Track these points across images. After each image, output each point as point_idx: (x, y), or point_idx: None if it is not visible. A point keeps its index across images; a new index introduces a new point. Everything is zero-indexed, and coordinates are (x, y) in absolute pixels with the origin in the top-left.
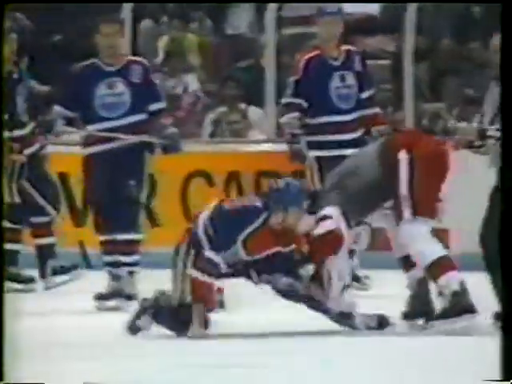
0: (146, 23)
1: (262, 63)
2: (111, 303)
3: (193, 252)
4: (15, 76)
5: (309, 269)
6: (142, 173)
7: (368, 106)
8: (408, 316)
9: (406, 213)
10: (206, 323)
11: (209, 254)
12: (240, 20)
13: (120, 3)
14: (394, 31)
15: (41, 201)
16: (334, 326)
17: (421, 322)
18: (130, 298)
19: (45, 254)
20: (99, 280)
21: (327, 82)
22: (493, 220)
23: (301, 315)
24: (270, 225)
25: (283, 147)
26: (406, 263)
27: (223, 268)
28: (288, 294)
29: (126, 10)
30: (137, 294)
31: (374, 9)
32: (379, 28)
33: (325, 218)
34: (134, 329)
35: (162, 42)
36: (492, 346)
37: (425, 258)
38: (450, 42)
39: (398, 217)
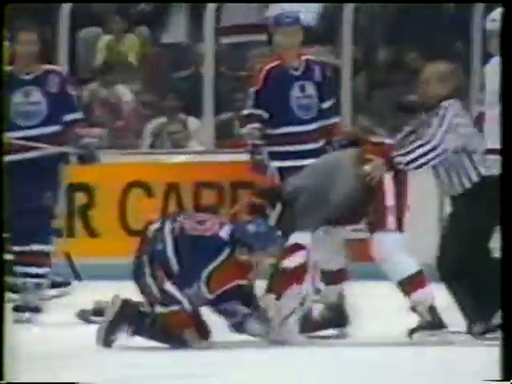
0: (85, 30)
1: (201, 72)
2: (26, 315)
3: (159, 270)
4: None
5: (270, 298)
6: (57, 184)
7: (329, 115)
8: (318, 327)
9: (390, 223)
10: (206, 333)
11: (171, 290)
12: (177, 29)
13: (59, 3)
14: (332, 42)
15: None
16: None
17: (334, 331)
18: (36, 310)
19: None
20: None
21: (288, 92)
22: (450, 243)
23: None
24: (233, 259)
25: (222, 158)
26: (332, 277)
27: (185, 305)
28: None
29: (65, 10)
30: (42, 306)
31: (310, 19)
32: (316, 38)
33: (295, 247)
34: (107, 342)
35: (102, 42)
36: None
37: (397, 273)
38: (386, 53)
39: (378, 226)
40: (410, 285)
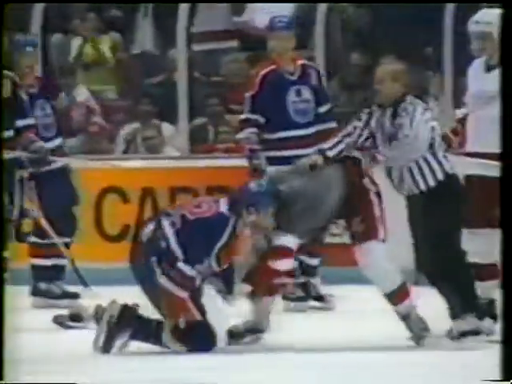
0: (57, 35)
1: (174, 78)
2: None
3: (166, 266)
4: (33, 91)
5: (248, 289)
6: (14, 188)
7: (326, 120)
8: (238, 334)
9: (381, 233)
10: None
11: (183, 267)
12: (146, 34)
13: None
14: (305, 44)
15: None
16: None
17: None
18: None
19: (51, 274)
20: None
21: (284, 97)
22: (420, 245)
23: None
24: (239, 231)
25: (197, 163)
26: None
27: (197, 282)
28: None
29: (37, 11)
30: None
31: None
32: None
33: (286, 251)
34: (107, 348)
35: (75, 43)
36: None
37: (385, 286)
38: (359, 57)
39: (369, 236)
40: (397, 297)
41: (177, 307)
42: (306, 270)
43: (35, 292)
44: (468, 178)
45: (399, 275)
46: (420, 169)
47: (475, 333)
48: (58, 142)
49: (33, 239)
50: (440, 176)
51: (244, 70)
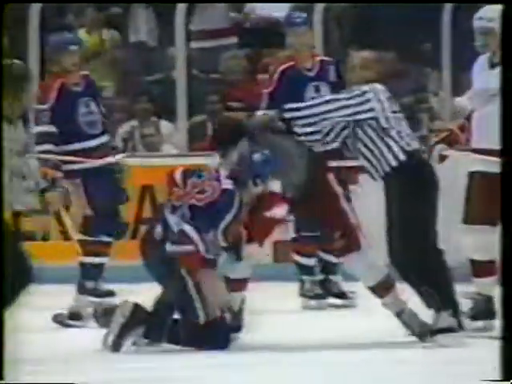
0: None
1: (173, 76)
2: None
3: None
4: (78, 89)
5: (254, 247)
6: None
7: None
8: None
9: (363, 241)
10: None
11: (191, 232)
12: (144, 33)
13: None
14: None
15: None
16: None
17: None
18: None
19: (97, 272)
20: None
21: (302, 93)
22: (393, 230)
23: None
24: (244, 205)
25: (195, 160)
26: (237, 285)
27: (200, 247)
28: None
29: (34, 10)
30: None
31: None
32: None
33: (274, 196)
34: (116, 347)
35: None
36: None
37: (368, 279)
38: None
39: (352, 248)
40: (381, 289)
41: (189, 261)
42: (326, 267)
43: (81, 290)
44: (472, 174)
45: (383, 267)
46: (378, 148)
47: (449, 330)
48: (104, 139)
49: (81, 237)
50: (400, 155)
51: (243, 66)
